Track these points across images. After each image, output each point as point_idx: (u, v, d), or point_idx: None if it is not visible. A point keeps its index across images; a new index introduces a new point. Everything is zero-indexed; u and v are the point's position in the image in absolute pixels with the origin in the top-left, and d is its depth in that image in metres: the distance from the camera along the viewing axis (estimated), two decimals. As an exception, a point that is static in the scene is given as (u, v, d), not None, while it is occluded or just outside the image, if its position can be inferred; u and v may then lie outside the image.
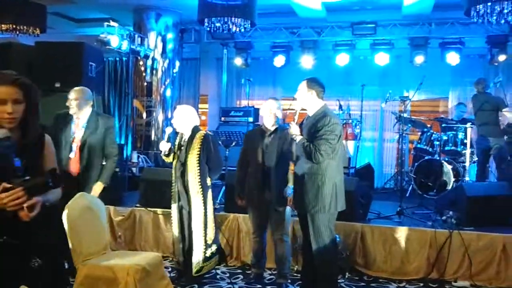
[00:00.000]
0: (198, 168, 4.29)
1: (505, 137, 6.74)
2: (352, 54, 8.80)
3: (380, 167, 9.53)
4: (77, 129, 4.33)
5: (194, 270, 4.34)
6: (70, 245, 3.41)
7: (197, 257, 4.33)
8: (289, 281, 4.55)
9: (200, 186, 4.31)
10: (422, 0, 7.33)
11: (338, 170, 3.80)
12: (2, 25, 7.34)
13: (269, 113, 4.33)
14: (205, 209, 4.33)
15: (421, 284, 4.72)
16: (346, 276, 4.84)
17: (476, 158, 7.33)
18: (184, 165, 4.34)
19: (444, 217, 5.15)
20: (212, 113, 10.42)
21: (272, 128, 4.37)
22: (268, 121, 4.35)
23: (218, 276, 4.85)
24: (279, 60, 9.14)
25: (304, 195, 3.74)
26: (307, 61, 8.94)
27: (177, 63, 8.99)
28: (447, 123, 7.68)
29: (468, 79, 9.17)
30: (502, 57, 8.22)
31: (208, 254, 4.37)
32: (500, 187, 5.49)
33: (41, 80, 5.73)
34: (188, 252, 4.41)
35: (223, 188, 5.86)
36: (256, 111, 8.46)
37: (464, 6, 5.51)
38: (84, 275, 3.37)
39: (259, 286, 4.57)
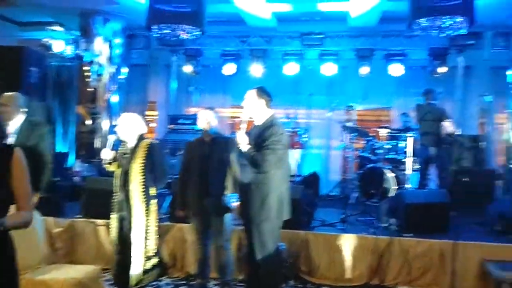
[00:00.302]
0: (142, 177, 4.20)
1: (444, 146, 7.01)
2: (301, 64, 8.96)
3: (327, 175, 9.71)
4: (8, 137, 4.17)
5: (133, 282, 4.24)
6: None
7: (136, 269, 4.24)
8: (233, 289, 4.53)
9: (144, 196, 4.21)
10: (368, 12, 7.55)
11: (284, 180, 3.83)
12: None
13: (203, 123, 4.33)
14: (147, 220, 4.25)
15: (363, 290, 4.84)
16: (290, 284, 4.88)
17: (418, 166, 7.63)
18: (127, 174, 4.24)
19: (385, 224, 5.31)
20: (160, 120, 10.28)
21: (210, 137, 4.38)
22: (202, 127, 4.37)
23: (161, 288, 4.78)
24: (229, 68, 9.17)
25: (250, 205, 3.75)
26: (256, 69, 9.02)
27: (125, 69, 8.81)
28: (390, 132, 7.93)
29: (411, 90, 9.52)
30: (442, 69, 8.60)
31: (148, 266, 4.28)
32: (438, 194, 5.71)
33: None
34: (127, 264, 4.31)
35: (169, 197, 5.77)
36: (205, 119, 8.40)
37: (407, 19, 5.72)
38: (17, 290, 3.22)
39: (203, 296, 4.53)
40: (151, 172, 4.23)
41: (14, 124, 4.20)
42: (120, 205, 4.28)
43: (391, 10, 7.42)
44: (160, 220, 5.42)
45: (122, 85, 8.83)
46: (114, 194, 4.37)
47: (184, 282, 5.00)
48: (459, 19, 5.27)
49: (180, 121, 8.89)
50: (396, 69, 8.65)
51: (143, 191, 4.20)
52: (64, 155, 7.74)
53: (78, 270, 3.54)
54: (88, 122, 8.48)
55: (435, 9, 5.32)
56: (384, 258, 4.91)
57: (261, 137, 3.71)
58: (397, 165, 7.56)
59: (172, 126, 8.98)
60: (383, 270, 4.92)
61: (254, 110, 3.84)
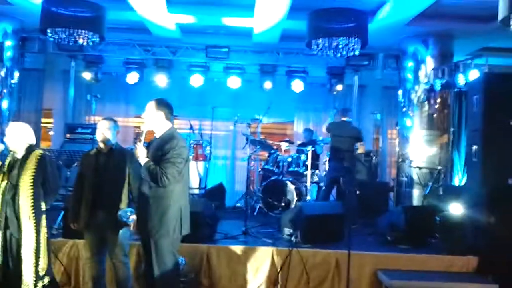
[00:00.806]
0: (32, 191, 3.91)
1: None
2: (206, 76, 8.95)
3: (233, 186, 9.77)
4: None
5: None
6: None
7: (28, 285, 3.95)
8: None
9: (33, 211, 3.92)
10: (270, 30, 7.75)
11: (183, 194, 3.77)
12: None
13: (100, 133, 4.20)
14: (38, 236, 3.96)
15: (263, 302, 4.88)
16: (191, 299, 4.81)
17: (316, 179, 7.94)
18: (15, 187, 3.92)
19: (285, 235, 5.43)
20: (57, 129, 9.69)
21: (107, 148, 4.23)
22: (99, 140, 4.23)
23: (53, 308, 4.44)
24: (132, 77, 8.91)
25: (148, 219, 3.64)
26: (161, 79, 8.87)
27: (17, 73, 8.21)
28: (292, 146, 8.19)
29: (311, 105, 9.99)
30: (339, 87, 9.07)
31: (39, 286, 3.98)
32: (333, 206, 5.98)
33: None
34: (15, 284, 3.96)
35: (62, 212, 5.43)
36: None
37: (306, 38, 5.96)
38: None
39: (97, 316, 4.29)
40: (42, 186, 3.97)
41: None
42: (6, 221, 3.93)
43: (292, 28, 7.68)
44: (53, 235, 5.14)
45: (14, 90, 8.23)
46: None
47: (77, 301, 4.71)
48: (354, 40, 5.59)
49: (78, 131, 8.44)
50: (297, 85, 8.96)
51: (33, 206, 3.92)
52: None
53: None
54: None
55: (331, 30, 5.61)
56: (283, 268, 5.01)
57: (160, 150, 3.64)
58: (299, 177, 7.81)
59: (69, 135, 8.49)
60: (283, 281, 5.01)
61: (153, 122, 3.75)
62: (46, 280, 4.05)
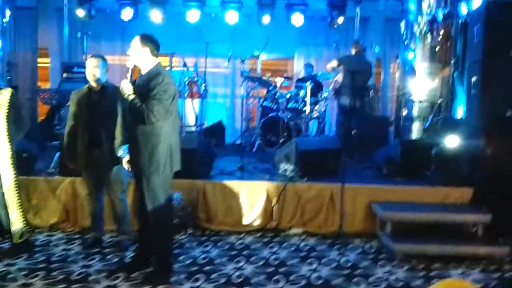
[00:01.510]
0: (6, 128, 4.01)
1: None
2: (202, 11, 8.69)
3: (233, 124, 9.75)
4: None
5: (17, 239, 4.07)
6: None
7: (17, 224, 4.06)
8: (131, 238, 4.46)
9: (10, 147, 4.04)
10: (268, -41, 7.42)
11: (173, 131, 3.75)
12: None
13: (89, 71, 4.17)
14: (15, 173, 4.08)
15: (259, 234, 4.99)
16: (189, 232, 4.92)
17: (317, 115, 7.87)
18: None
19: (281, 171, 5.46)
20: (54, 68, 9.55)
21: (98, 87, 4.18)
22: (89, 79, 4.20)
23: (52, 244, 4.58)
24: (127, 13, 8.67)
25: (139, 157, 3.64)
26: (156, 15, 8.62)
27: (8, 12, 8.00)
28: (290, 81, 8.06)
29: (311, 40, 9.71)
30: (340, 19, 8.78)
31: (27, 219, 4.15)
32: (330, 141, 5.97)
33: None
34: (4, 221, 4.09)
35: (58, 151, 5.45)
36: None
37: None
38: None
39: (97, 249, 4.42)
40: (14, 122, 4.04)
41: None
42: None
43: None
44: (50, 174, 5.22)
45: (6, 29, 8.05)
46: None
47: (77, 236, 4.83)
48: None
49: (75, 70, 8.33)
50: (297, 19, 8.68)
51: (9, 143, 4.02)
52: None
53: None
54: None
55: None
56: (278, 202, 5.08)
57: (146, 87, 3.57)
58: (298, 114, 7.74)
59: (66, 74, 8.40)
60: (278, 214, 5.10)
61: (138, 58, 3.66)
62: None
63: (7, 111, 3.99)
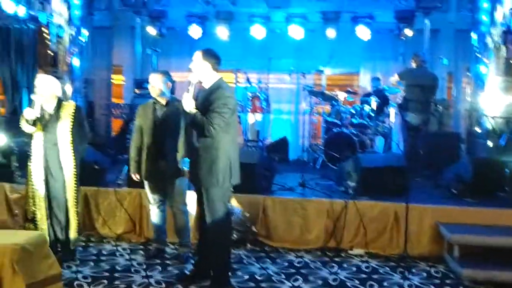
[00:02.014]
0: (71, 139, 4.25)
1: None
2: (267, 27, 8.79)
3: (297, 140, 9.71)
4: None
5: (73, 245, 4.37)
6: None
7: (74, 232, 4.34)
8: (192, 251, 4.56)
9: (74, 158, 4.26)
10: (332, -26, 7.40)
11: (232, 144, 3.79)
12: None
13: (151, 87, 4.32)
14: (76, 182, 4.31)
15: (319, 253, 4.90)
16: (248, 248, 4.92)
17: (383, 131, 7.65)
18: (54, 136, 4.21)
19: (342, 188, 5.35)
20: (127, 85, 10.05)
21: (163, 101, 4.32)
22: (153, 94, 4.35)
23: (117, 253, 4.77)
24: (195, 31, 8.95)
25: (198, 169, 3.72)
26: (222, 32, 8.83)
27: (86, 32, 8.52)
28: (355, 96, 7.92)
29: (378, 53, 9.50)
30: (408, 32, 8.53)
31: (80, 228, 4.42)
32: (394, 158, 5.76)
33: None
34: (62, 227, 4.32)
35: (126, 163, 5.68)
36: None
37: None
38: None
39: (158, 261, 4.54)
40: (77, 134, 4.27)
41: None
42: (47, 169, 4.21)
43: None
44: (119, 185, 5.45)
45: (84, 48, 8.56)
46: (32, 157, 4.27)
47: (141, 247, 4.98)
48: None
49: (145, 85, 8.67)
50: (363, 32, 8.54)
51: (73, 153, 4.23)
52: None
53: (23, 236, 3.47)
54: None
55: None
56: (340, 221, 4.97)
57: (207, 100, 3.65)
58: (363, 129, 7.59)
59: (138, 90, 8.80)
60: (339, 233, 4.98)
61: (200, 73, 3.75)
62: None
63: (71, 123, 4.22)
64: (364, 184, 5.17)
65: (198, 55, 3.76)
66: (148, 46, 9.74)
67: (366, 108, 7.47)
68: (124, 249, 4.90)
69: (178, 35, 9.80)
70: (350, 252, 4.93)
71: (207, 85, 3.79)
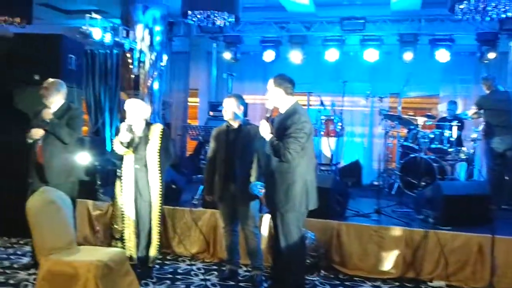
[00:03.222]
0: (158, 160, 4.39)
1: None
2: (341, 50, 8.73)
3: (370, 164, 9.49)
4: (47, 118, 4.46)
5: (151, 263, 4.50)
6: (34, 240, 3.40)
7: (154, 249, 4.45)
8: (264, 274, 4.53)
9: (160, 178, 4.39)
10: (411, -4, 7.26)
11: (308, 168, 3.78)
12: (-13, 16, 7.29)
13: (224, 110, 4.39)
14: (161, 201, 4.43)
15: (397, 284, 4.68)
16: (322, 274, 4.82)
17: (464, 157, 7.27)
18: (144, 157, 4.36)
19: (421, 216, 5.12)
20: (202, 107, 10.39)
21: (236, 124, 4.37)
22: (226, 118, 4.41)
23: (192, 272, 4.83)
24: (269, 55, 9.08)
25: (274, 194, 3.72)
26: (296, 56, 8.88)
27: (165, 56, 8.91)
28: (433, 120, 7.61)
29: (458, 77, 9.15)
30: (491, 55, 8.14)
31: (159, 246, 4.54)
32: (478, 186, 5.44)
33: (20, 72, 5.70)
34: (146, 244, 4.45)
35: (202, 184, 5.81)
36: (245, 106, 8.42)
37: (448, 2, 5.44)
38: (46, 270, 3.34)
39: (232, 282, 4.54)
40: (164, 155, 4.42)
41: (54, 107, 4.52)
42: (137, 187, 4.37)
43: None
44: (194, 205, 5.56)
45: (163, 72, 8.95)
46: (122, 176, 4.43)
47: (215, 267, 5.02)
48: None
49: (219, 108, 8.91)
50: (442, 55, 8.25)
51: (160, 173, 4.37)
52: (106, 140, 7.94)
53: (106, 253, 3.62)
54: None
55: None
56: (419, 251, 4.74)
57: (283, 125, 3.68)
58: (442, 155, 7.26)
59: (212, 113, 9.05)
60: (418, 264, 4.76)
61: (274, 99, 3.80)
62: None
63: (159, 144, 4.37)
64: (445, 213, 4.91)
65: (270, 82, 3.84)
66: (223, 70, 10.04)
67: (446, 133, 7.14)
68: (198, 268, 4.96)
69: (252, 59, 10.03)
70: (430, 284, 4.68)
71: (283, 109, 3.83)
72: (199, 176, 7.91)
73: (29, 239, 5.14)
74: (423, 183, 6.73)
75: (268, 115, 3.81)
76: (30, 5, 7.57)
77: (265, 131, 3.70)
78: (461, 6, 5.20)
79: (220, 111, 8.73)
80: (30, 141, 4.44)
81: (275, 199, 3.71)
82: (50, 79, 4.61)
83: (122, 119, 8.57)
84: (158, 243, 4.49)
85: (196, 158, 8.89)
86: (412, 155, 7.18)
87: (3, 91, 5.75)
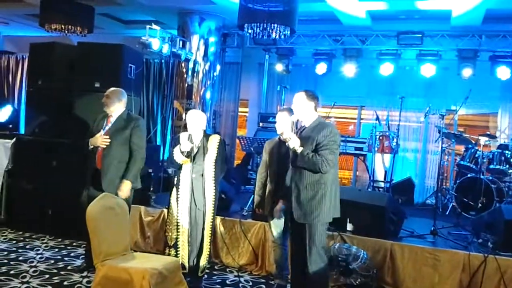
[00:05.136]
0: (214, 170, 4.42)
1: None
2: (396, 64, 8.54)
3: (423, 181, 9.20)
4: (107, 126, 4.58)
5: (201, 272, 4.49)
6: (91, 244, 3.48)
7: (204, 259, 4.47)
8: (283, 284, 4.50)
9: (214, 188, 4.43)
10: (472, 11, 7.02)
11: (336, 179, 3.87)
12: (53, 25, 7.64)
13: (277, 123, 4.40)
14: (213, 211, 4.45)
15: (452, 309, 4.49)
16: (373, 294, 4.69)
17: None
18: (201, 167, 4.39)
19: (480, 240, 4.90)
20: (251, 118, 10.42)
21: None
22: (279, 132, 4.35)
23: (240, 285, 4.81)
24: (321, 68, 8.99)
25: (305, 204, 3.72)
26: (349, 69, 8.76)
27: (218, 67, 9.04)
28: (494, 140, 7.31)
29: (518, 95, 8.74)
30: (557, 73, 7.74)
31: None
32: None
33: (82, 80, 5.92)
34: (197, 253, 4.46)
35: (252, 195, 5.80)
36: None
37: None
38: (102, 275, 3.41)
39: (279, 298, 4.49)
40: (219, 165, 4.45)
41: (115, 115, 4.65)
42: (192, 197, 4.39)
43: (496, 8, 6.88)
44: (244, 216, 5.56)
45: (215, 82, 9.08)
46: (179, 185, 4.45)
47: (263, 280, 4.98)
48: None
49: (270, 120, 8.93)
50: (503, 72, 7.91)
51: (214, 183, 4.40)
52: (160, 148, 8.12)
53: (160, 260, 3.66)
54: (183, 116, 8.79)
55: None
56: (477, 276, 4.53)
57: (311, 138, 3.72)
58: (501, 176, 6.95)
59: (262, 124, 9.07)
60: (475, 290, 4.54)
61: (303, 112, 3.84)
62: None
63: (216, 154, 4.41)
64: (506, 238, 4.67)
65: (302, 95, 3.87)
66: (273, 82, 10.05)
67: (507, 153, 6.83)
68: (246, 281, 4.94)
69: (303, 71, 9.97)
70: (488, 312, 4.45)
71: (307, 123, 3.87)
72: (247, 186, 7.94)
73: (83, 242, 5.35)
74: (480, 205, 6.47)
75: (295, 128, 3.83)
76: (92, 15, 7.89)
77: (295, 144, 3.69)
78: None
79: (270, 122, 8.82)
80: (91, 147, 4.57)
81: (306, 209, 3.71)
82: (112, 88, 4.71)
83: (174, 127, 8.82)
84: (209, 253, 4.51)
85: (245, 169, 8.93)
86: (469, 175, 6.91)
87: (66, 97, 5.98)
